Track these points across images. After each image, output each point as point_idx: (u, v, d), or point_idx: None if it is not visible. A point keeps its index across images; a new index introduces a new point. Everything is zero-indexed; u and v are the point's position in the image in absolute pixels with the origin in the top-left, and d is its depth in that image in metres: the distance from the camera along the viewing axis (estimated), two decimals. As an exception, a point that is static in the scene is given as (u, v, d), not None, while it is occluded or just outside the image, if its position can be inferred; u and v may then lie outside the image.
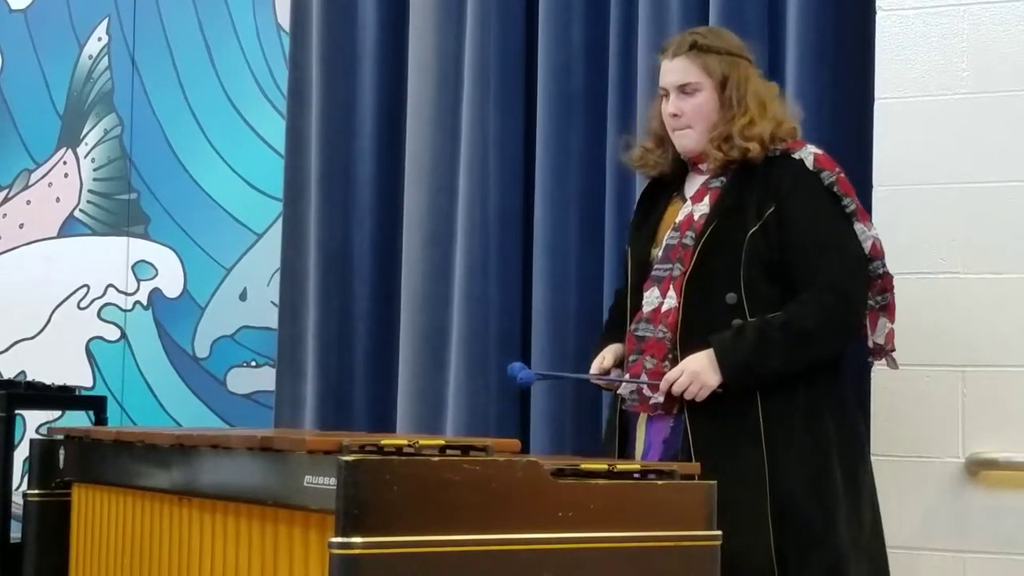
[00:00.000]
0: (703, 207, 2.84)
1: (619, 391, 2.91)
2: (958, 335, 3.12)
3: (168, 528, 2.79)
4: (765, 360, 2.72)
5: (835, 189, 2.81)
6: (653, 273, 2.87)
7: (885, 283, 2.85)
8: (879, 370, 2.88)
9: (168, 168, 4.91)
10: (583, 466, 2.33)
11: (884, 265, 2.84)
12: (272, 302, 4.52)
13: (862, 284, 2.81)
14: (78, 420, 4.33)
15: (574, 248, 3.87)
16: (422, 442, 2.20)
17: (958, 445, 3.12)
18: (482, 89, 3.98)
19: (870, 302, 2.84)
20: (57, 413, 4.68)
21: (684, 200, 2.91)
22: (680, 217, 2.87)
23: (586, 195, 3.87)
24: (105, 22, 5.02)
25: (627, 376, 2.87)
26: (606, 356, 2.96)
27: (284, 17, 4.63)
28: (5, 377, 4.64)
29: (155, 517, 2.85)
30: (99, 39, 5.03)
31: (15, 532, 3.56)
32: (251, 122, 4.82)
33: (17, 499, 3.57)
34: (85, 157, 5.04)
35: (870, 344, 2.89)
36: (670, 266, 2.83)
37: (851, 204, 2.82)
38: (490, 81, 3.98)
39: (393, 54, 4.23)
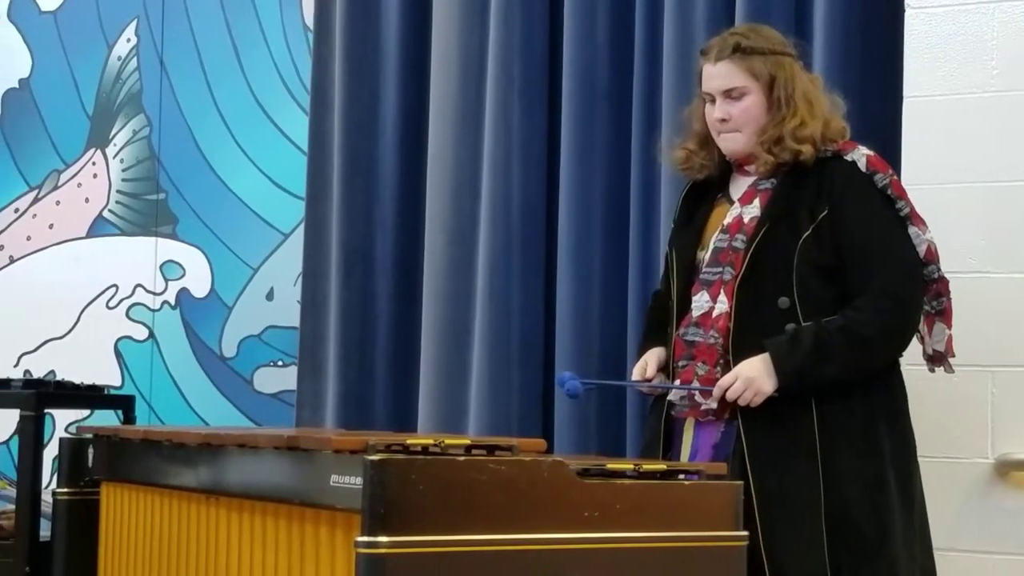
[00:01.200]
0: (753, 209, 2.79)
1: (669, 397, 2.84)
2: (988, 335, 3.10)
3: (195, 527, 2.80)
4: (822, 366, 2.66)
5: (889, 192, 2.76)
6: (701, 277, 2.81)
7: (940, 287, 2.80)
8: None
9: (196, 168, 4.94)
10: (609, 466, 2.33)
11: (939, 269, 2.79)
12: (299, 302, 4.52)
13: (918, 290, 2.76)
14: (107, 419, 4.35)
15: (598, 247, 3.85)
16: (448, 442, 2.20)
17: (987, 446, 3.10)
18: (506, 87, 3.97)
19: (926, 307, 2.79)
20: (86, 412, 4.71)
21: (730, 202, 2.85)
22: (728, 220, 2.81)
23: (610, 194, 3.86)
24: (134, 23, 5.04)
25: (677, 382, 2.82)
26: (648, 362, 2.90)
27: (311, 17, 4.64)
28: (35, 376, 4.67)
29: (183, 516, 2.86)
30: (128, 40, 5.05)
31: (44, 531, 3.58)
32: (278, 122, 4.84)
33: (46, 498, 3.59)
34: (114, 158, 5.06)
35: (928, 351, 2.85)
36: (720, 270, 2.78)
37: (905, 207, 2.76)
38: (514, 79, 3.97)
39: (416, 53, 4.22)
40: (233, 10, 4.91)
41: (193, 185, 4.94)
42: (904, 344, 2.78)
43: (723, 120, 2.82)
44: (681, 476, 2.36)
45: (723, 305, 2.76)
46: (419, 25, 4.22)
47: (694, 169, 2.93)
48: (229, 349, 4.84)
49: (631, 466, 2.34)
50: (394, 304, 4.22)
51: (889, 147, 3.21)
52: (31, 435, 3.66)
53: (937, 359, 2.87)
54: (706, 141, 2.90)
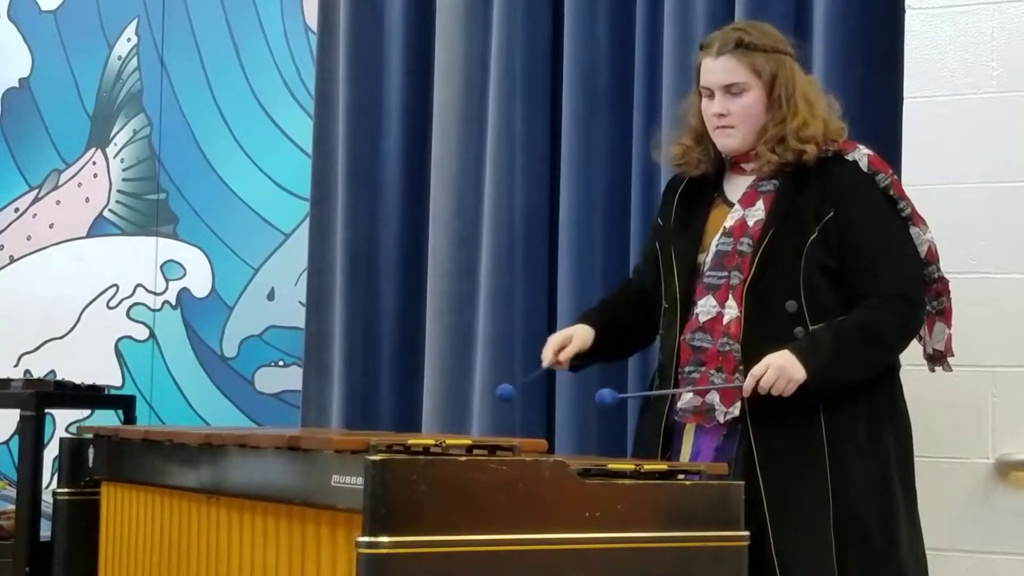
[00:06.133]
0: (757, 212, 2.76)
1: (680, 404, 2.77)
2: (988, 336, 3.10)
3: (196, 527, 2.80)
4: (846, 363, 2.66)
5: (891, 192, 2.76)
6: (705, 280, 2.77)
7: (941, 287, 2.81)
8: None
9: (196, 168, 4.94)
10: (610, 466, 2.33)
11: (939, 269, 2.80)
12: (300, 302, 4.53)
13: (922, 290, 2.77)
14: (107, 419, 4.35)
15: (599, 248, 3.86)
16: (449, 442, 2.20)
17: (987, 446, 3.10)
18: (508, 88, 3.98)
19: (927, 307, 2.79)
20: (86, 412, 4.71)
21: (729, 204, 2.82)
22: (730, 222, 2.78)
23: (611, 195, 3.86)
24: (134, 23, 5.05)
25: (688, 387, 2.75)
26: (572, 340, 2.88)
27: (312, 17, 4.64)
28: (35, 376, 4.67)
29: (183, 516, 2.86)
30: (128, 40, 5.06)
31: (45, 531, 3.58)
32: (279, 122, 4.84)
33: (47, 498, 3.59)
34: (114, 157, 5.06)
35: (928, 350, 2.85)
36: (726, 274, 2.75)
37: (906, 207, 2.76)
38: (516, 80, 3.98)
39: (419, 54, 4.23)
40: (234, 9, 4.91)
41: (194, 185, 4.95)
42: (908, 343, 2.79)
43: (721, 115, 2.80)
44: (681, 476, 2.36)
45: (732, 310, 2.73)
46: (422, 28, 4.23)
47: (690, 165, 2.89)
48: (230, 349, 4.84)
49: (632, 466, 2.34)
50: (398, 304, 4.22)
51: (889, 147, 3.21)
52: (31, 435, 3.66)
53: (937, 358, 2.87)
54: (702, 137, 2.87)
